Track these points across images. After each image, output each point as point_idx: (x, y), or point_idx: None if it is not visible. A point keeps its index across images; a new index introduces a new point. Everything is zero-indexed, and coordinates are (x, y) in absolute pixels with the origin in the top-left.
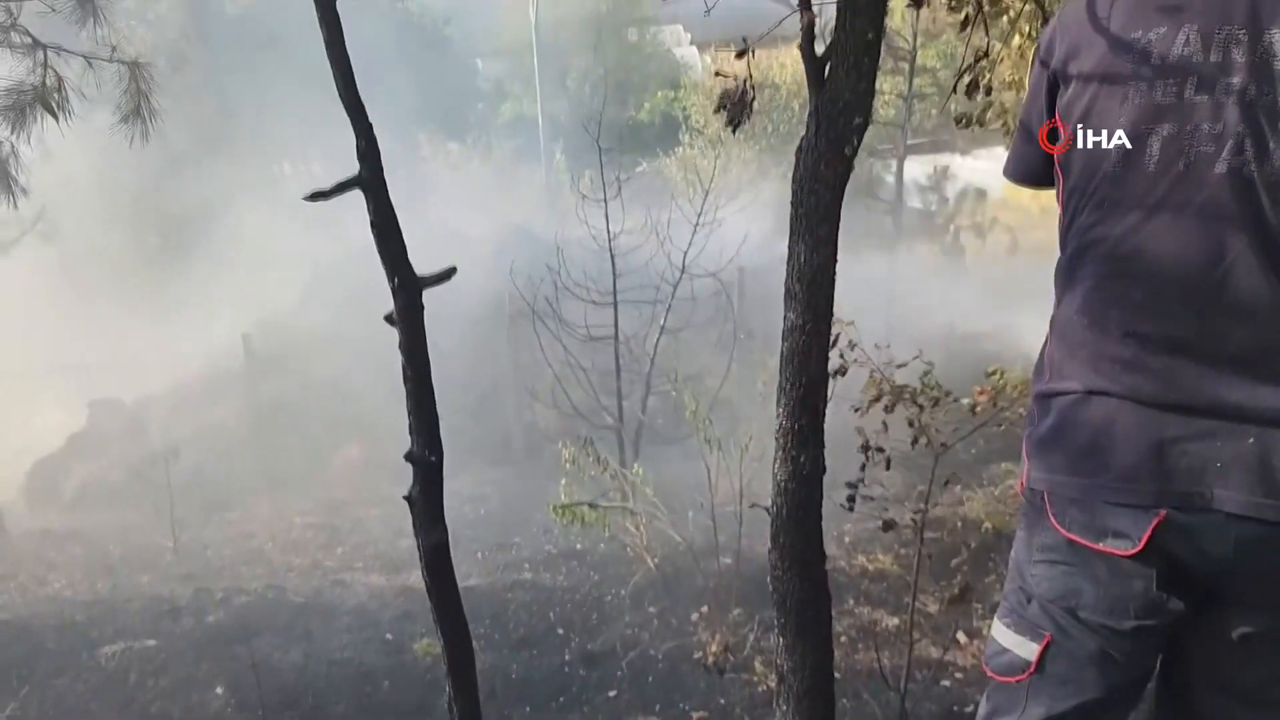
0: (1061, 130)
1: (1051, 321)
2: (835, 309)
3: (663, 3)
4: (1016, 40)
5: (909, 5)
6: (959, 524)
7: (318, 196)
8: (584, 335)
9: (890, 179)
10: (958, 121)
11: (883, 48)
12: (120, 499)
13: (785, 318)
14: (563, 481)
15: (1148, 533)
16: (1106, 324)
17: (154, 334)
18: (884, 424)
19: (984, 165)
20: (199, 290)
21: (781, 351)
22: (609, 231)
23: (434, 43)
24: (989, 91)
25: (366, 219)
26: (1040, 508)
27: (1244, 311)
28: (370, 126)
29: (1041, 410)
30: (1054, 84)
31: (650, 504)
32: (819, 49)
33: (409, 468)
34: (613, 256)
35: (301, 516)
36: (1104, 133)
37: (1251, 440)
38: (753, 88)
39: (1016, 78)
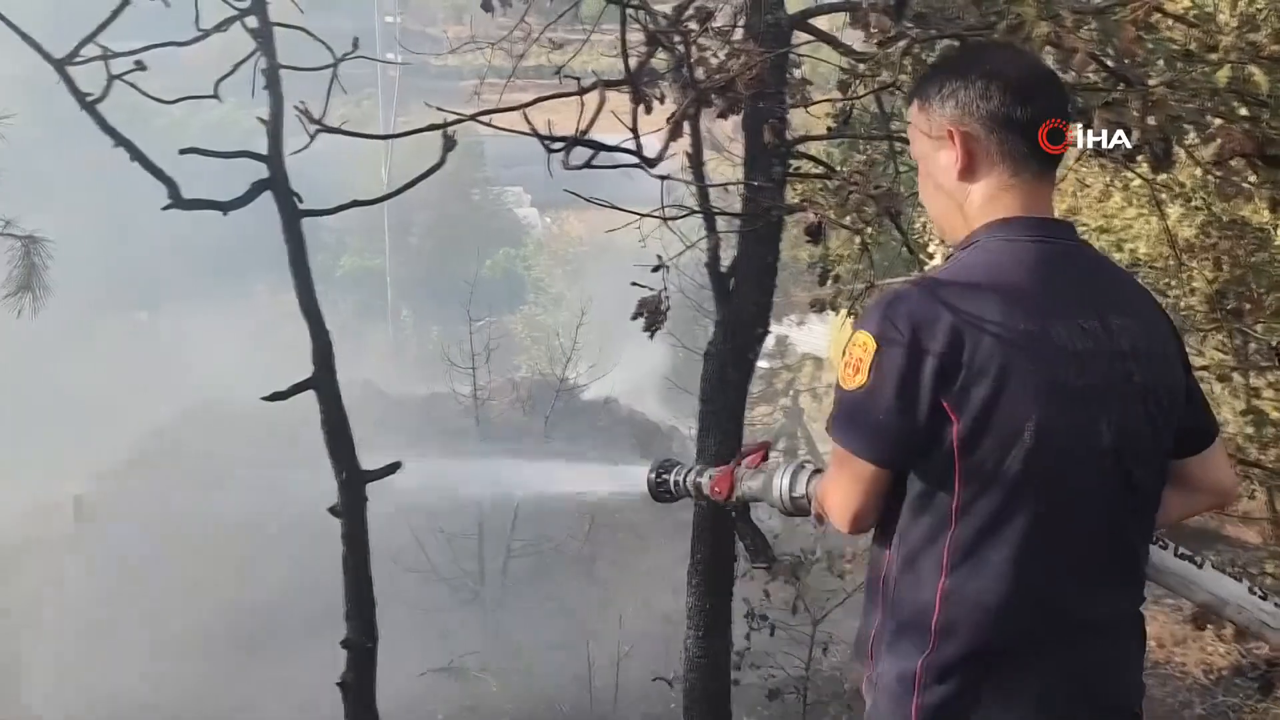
0: (955, 417)
1: (946, 592)
2: None
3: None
4: (859, 239)
5: (807, 240)
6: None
7: (275, 397)
8: (451, 501)
9: None
10: (812, 306)
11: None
12: None
13: (696, 505)
14: None
15: None
16: (1024, 593)
17: None
18: (765, 592)
19: (819, 330)
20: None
21: (692, 536)
22: (476, 398)
23: None
24: (837, 279)
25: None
26: None
27: (1122, 577)
28: (327, 332)
29: (935, 679)
30: (943, 370)
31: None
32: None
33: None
34: (480, 423)
35: (133, 693)
36: (1017, 418)
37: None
38: (667, 298)
39: (860, 268)
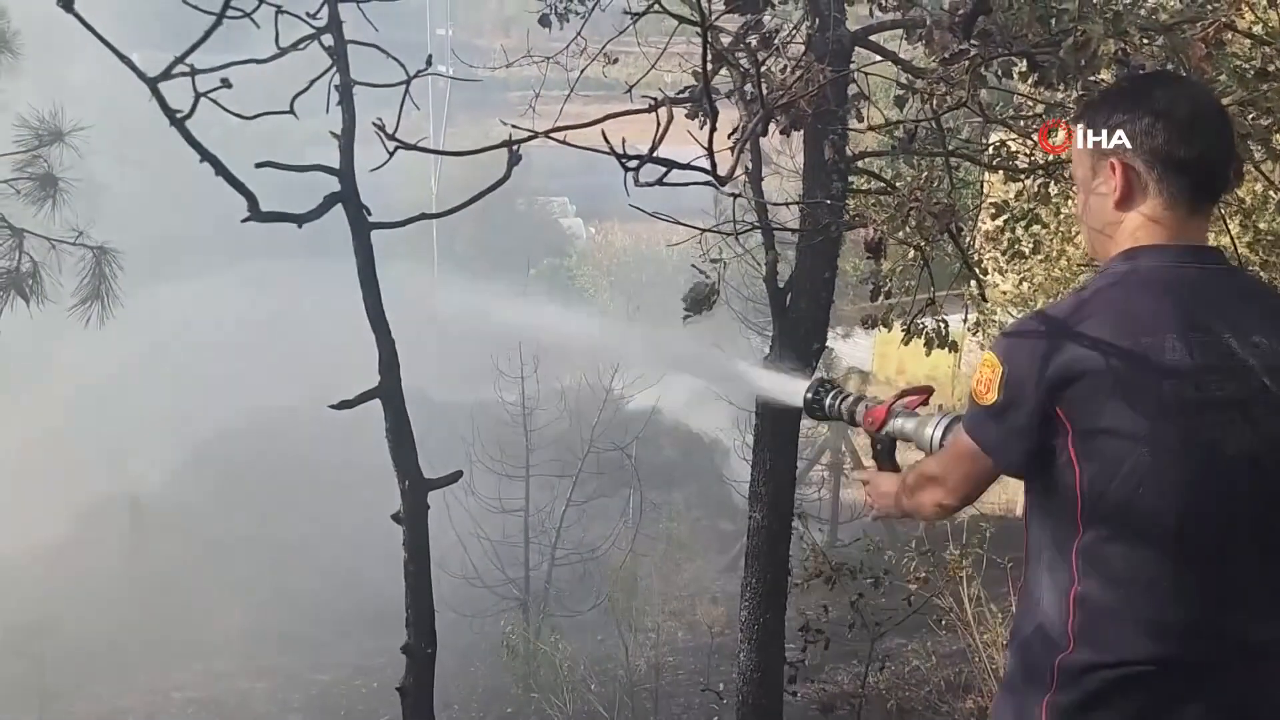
0: (1070, 427)
1: (1078, 597)
2: None
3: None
4: (911, 253)
5: (867, 256)
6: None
7: (343, 405)
8: (496, 508)
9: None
10: (864, 323)
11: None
12: None
13: (750, 517)
14: None
15: None
16: (1161, 608)
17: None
18: (825, 607)
19: (863, 343)
20: (57, 446)
21: (746, 549)
22: (524, 407)
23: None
24: (889, 295)
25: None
26: None
27: (1253, 594)
28: (393, 343)
29: (1070, 680)
30: (1057, 387)
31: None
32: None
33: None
34: (527, 432)
35: (180, 690)
36: (1129, 425)
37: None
38: (717, 291)
39: (912, 284)
